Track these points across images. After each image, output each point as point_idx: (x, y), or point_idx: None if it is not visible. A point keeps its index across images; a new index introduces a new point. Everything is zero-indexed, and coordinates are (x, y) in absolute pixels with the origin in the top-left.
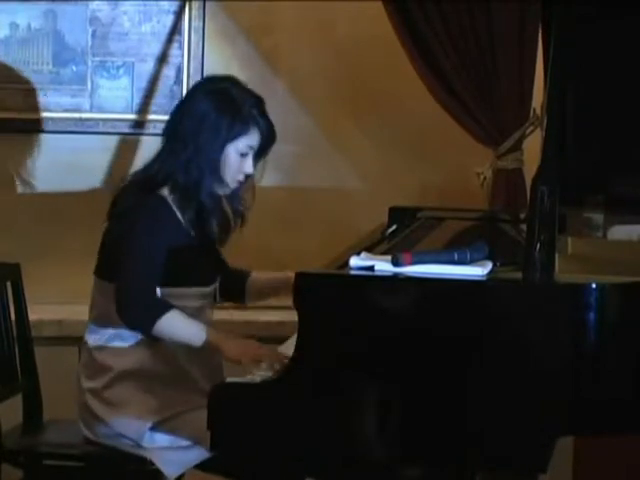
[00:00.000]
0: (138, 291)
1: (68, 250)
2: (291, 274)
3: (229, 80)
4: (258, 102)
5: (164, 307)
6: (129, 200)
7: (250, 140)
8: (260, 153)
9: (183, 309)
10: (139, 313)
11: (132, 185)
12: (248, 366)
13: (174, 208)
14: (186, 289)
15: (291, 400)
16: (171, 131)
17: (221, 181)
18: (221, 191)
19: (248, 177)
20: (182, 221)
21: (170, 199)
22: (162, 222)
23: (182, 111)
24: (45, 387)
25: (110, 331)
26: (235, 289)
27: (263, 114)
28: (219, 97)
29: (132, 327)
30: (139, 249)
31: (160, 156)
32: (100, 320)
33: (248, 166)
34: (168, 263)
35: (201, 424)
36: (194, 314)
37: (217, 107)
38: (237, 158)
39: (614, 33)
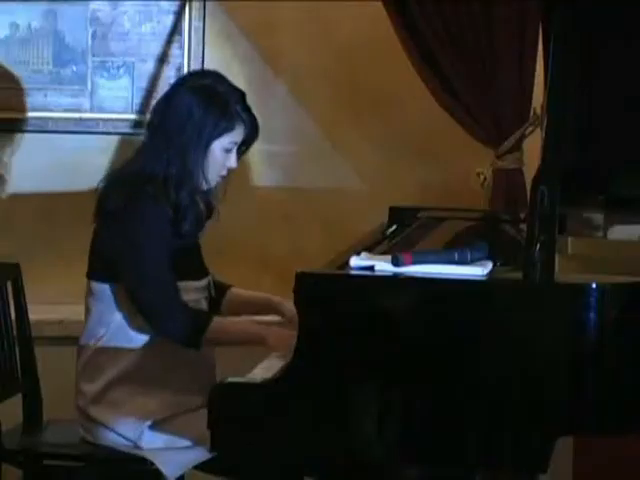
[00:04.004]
0: (168, 305)
1: (68, 250)
2: (272, 297)
3: (213, 75)
4: (242, 97)
5: (205, 318)
6: (117, 200)
7: (235, 136)
8: (243, 147)
9: None
10: (182, 331)
11: (116, 183)
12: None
13: (161, 204)
14: (180, 283)
15: (291, 400)
16: (155, 126)
17: (205, 177)
18: (204, 186)
19: (230, 171)
20: (170, 217)
21: (156, 196)
22: (157, 222)
23: (166, 107)
24: (45, 387)
25: (107, 333)
26: (213, 300)
27: (247, 109)
28: (205, 93)
29: (181, 344)
30: (150, 261)
31: (143, 152)
32: (97, 323)
33: (232, 161)
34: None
35: (200, 425)
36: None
37: (203, 104)
38: (222, 154)
39: (614, 33)
